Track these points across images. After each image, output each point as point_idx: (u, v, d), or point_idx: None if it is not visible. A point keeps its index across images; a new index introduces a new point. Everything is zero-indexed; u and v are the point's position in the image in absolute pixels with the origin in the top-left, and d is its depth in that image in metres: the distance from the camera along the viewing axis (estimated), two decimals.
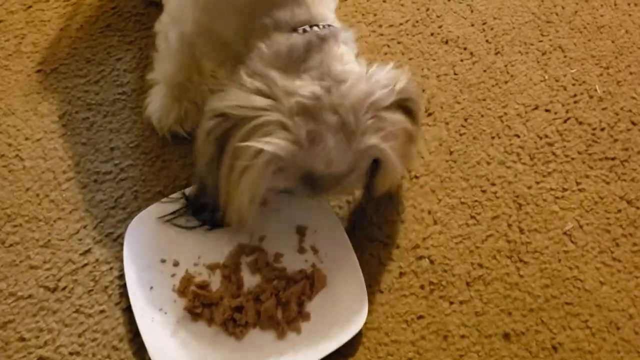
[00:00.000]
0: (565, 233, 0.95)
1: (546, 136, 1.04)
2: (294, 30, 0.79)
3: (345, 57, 0.80)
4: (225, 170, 0.77)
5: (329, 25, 0.81)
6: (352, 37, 0.84)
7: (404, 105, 0.81)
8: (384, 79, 0.79)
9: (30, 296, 0.90)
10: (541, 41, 1.14)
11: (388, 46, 1.12)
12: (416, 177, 1.00)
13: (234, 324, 0.86)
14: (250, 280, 0.89)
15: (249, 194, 0.77)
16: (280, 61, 0.77)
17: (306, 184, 0.79)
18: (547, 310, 0.89)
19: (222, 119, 0.76)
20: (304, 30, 0.79)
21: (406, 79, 0.81)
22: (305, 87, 0.75)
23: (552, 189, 0.99)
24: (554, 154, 1.02)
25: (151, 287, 0.88)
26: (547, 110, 1.06)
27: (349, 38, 0.83)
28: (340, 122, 0.75)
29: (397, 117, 0.79)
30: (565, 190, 0.99)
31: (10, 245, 0.94)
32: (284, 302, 0.86)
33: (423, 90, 1.07)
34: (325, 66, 0.77)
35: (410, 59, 1.11)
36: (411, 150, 0.85)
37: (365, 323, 0.85)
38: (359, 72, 0.79)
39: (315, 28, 0.79)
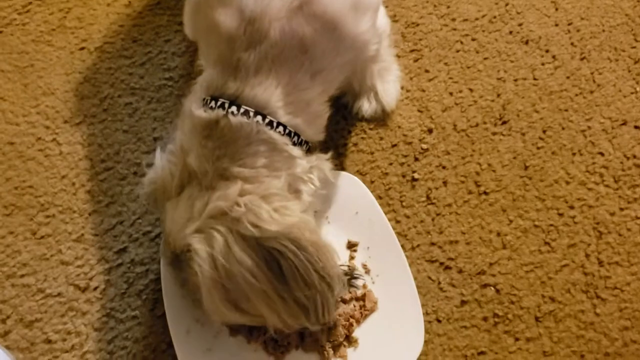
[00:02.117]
0: None
1: (634, 156, 0.93)
2: (215, 99, 0.71)
3: (246, 160, 0.70)
4: None
5: (256, 114, 0.70)
6: (284, 140, 0.71)
7: (269, 252, 0.66)
8: (265, 208, 0.67)
9: (59, 294, 0.84)
10: (634, 47, 1.01)
11: (461, 42, 1.02)
12: (485, 192, 0.90)
13: (275, 344, 0.79)
14: None
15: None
16: (187, 125, 0.73)
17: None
18: (625, 356, 0.80)
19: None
20: (217, 107, 0.70)
21: (302, 235, 0.67)
22: (191, 158, 0.71)
23: (637, 218, 0.88)
24: None
25: None
26: (636, 127, 0.95)
27: (277, 141, 0.71)
28: (193, 203, 0.70)
29: (240, 255, 0.66)
30: None
31: (42, 237, 0.88)
32: (331, 325, 0.78)
33: (498, 95, 0.96)
34: (216, 156, 0.70)
35: (485, 58, 1.00)
36: (263, 309, 0.69)
37: (419, 355, 0.78)
38: (244, 179, 0.69)
39: (232, 109, 0.70)
